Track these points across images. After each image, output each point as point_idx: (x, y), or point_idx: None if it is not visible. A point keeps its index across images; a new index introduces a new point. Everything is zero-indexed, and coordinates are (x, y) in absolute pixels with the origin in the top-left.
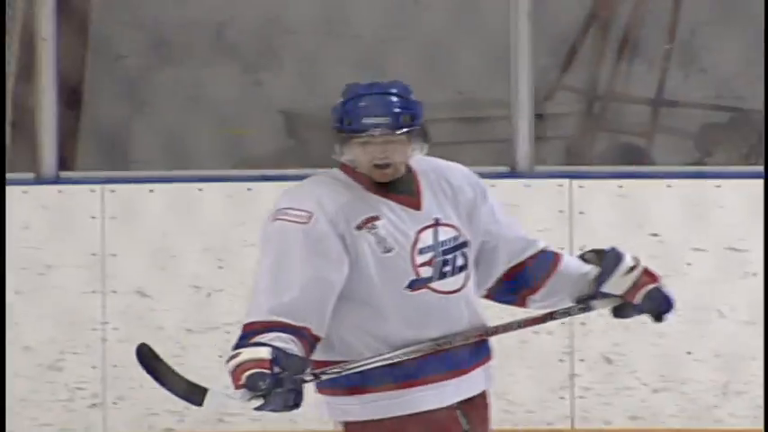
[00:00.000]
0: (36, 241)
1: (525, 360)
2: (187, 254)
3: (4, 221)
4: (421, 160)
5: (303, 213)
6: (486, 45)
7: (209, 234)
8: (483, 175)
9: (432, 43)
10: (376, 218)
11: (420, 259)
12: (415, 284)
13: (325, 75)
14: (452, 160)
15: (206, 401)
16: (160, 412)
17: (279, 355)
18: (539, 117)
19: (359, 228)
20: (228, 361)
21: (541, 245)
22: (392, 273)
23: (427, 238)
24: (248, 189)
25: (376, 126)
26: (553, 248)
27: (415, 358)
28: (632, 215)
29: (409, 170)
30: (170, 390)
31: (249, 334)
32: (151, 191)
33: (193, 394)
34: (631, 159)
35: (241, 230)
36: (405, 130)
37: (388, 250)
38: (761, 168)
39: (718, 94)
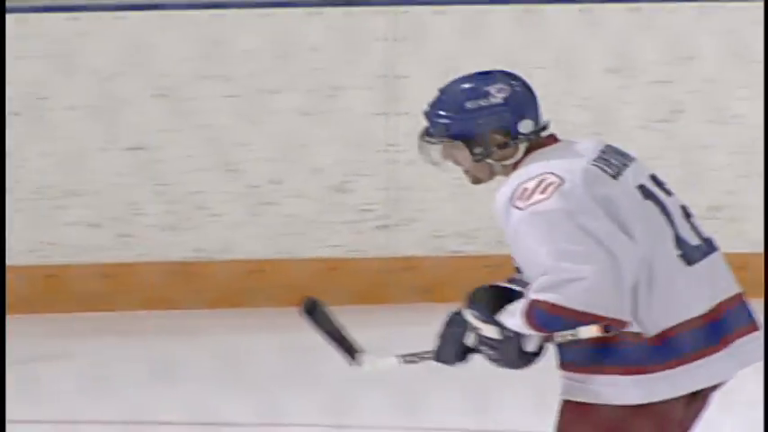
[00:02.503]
0: (324, 63)
1: None
2: None
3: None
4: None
5: None
6: None
7: (494, 56)
8: None
9: None
10: None
11: None
12: None
13: None
14: None
15: (356, 363)
16: (448, 234)
17: None
18: None
19: None
20: None
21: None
22: None
23: None
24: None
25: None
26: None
27: None
28: None
29: None
30: (332, 345)
31: None
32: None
33: (349, 352)
34: None
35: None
36: (431, 139)
37: None
38: None
39: None
